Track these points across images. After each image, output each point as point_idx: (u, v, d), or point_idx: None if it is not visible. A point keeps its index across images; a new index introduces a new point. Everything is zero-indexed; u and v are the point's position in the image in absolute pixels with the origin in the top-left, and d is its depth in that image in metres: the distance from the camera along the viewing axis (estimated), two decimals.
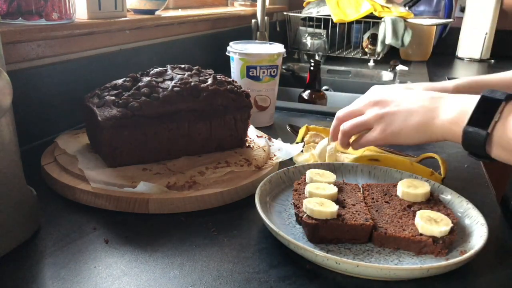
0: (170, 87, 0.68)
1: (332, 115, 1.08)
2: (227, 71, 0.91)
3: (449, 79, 1.62)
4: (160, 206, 0.58)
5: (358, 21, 1.69)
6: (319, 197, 0.54)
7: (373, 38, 1.78)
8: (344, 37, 1.83)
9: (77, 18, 0.85)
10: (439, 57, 2.01)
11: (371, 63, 1.78)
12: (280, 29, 1.98)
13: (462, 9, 2.06)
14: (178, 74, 0.72)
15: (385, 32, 1.65)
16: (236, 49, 0.92)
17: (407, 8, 1.79)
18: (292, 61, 1.79)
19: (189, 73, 0.73)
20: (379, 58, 1.76)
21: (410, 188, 0.58)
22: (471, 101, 0.53)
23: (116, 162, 0.65)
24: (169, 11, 1.31)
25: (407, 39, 1.65)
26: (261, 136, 0.83)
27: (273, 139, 0.83)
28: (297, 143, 0.83)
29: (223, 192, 0.61)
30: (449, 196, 0.61)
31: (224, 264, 0.49)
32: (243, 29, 1.67)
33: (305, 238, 0.52)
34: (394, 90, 0.64)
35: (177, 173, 0.65)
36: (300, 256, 0.49)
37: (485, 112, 0.51)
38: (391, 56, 1.84)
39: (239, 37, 1.13)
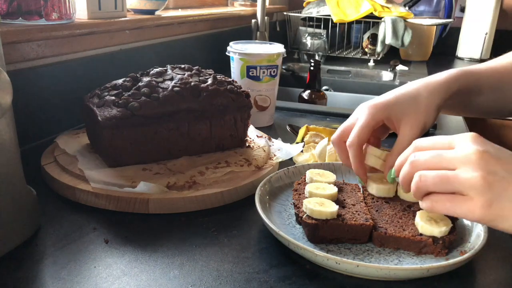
0: (170, 87, 0.68)
1: (332, 115, 1.09)
2: (227, 71, 0.91)
3: None
4: (160, 206, 0.58)
5: (358, 21, 1.69)
6: (319, 197, 0.55)
7: (373, 38, 1.78)
8: (344, 37, 1.83)
9: (77, 18, 0.85)
10: (439, 57, 2.01)
11: (371, 63, 1.78)
12: (280, 29, 1.98)
13: (462, 9, 2.06)
14: (178, 74, 0.72)
15: (385, 32, 1.65)
16: (236, 49, 0.92)
17: (407, 8, 1.79)
18: (292, 61, 1.79)
19: (189, 73, 0.73)
20: (379, 58, 1.76)
21: None
22: None
23: (116, 162, 0.65)
24: (169, 11, 1.31)
25: (407, 39, 1.65)
26: (261, 136, 0.83)
27: (273, 139, 0.83)
28: (297, 143, 0.83)
29: (223, 192, 0.61)
30: None
31: (224, 264, 0.49)
32: (243, 29, 1.67)
33: (305, 238, 0.52)
34: (504, 149, 0.45)
35: (177, 173, 0.65)
36: (300, 256, 0.49)
37: None
38: (391, 56, 1.84)
39: (239, 37, 1.13)
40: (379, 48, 1.71)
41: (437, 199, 0.45)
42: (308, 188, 0.57)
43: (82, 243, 0.51)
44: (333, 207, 0.52)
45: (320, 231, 0.51)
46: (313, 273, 0.48)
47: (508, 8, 2.10)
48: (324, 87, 1.48)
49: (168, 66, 0.75)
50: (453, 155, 0.43)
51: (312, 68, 1.22)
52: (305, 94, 1.23)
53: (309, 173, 0.61)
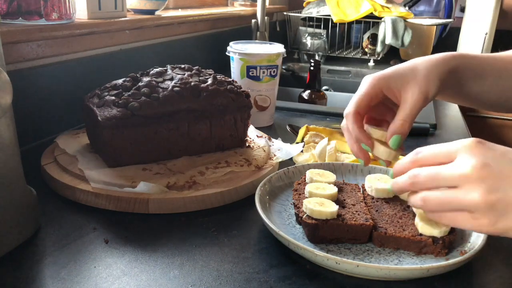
0: (170, 87, 0.68)
1: (332, 115, 1.09)
2: (227, 71, 0.91)
3: None
4: (160, 206, 0.58)
5: (358, 21, 1.69)
6: (319, 197, 0.55)
7: (373, 38, 1.78)
8: (344, 37, 1.83)
9: (77, 18, 0.85)
10: None
11: (371, 63, 1.78)
12: (280, 29, 1.98)
13: (462, 9, 2.06)
14: (178, 74, 0.72)
15: (385, 32, 1.65)
16: (236, 49, 0.92)
17: (407, 8, 1.79)
18: (292, 61, 1.79)
19: (189, 73, 0.73)
20: (379, 58, 1.76)
21: None
22: None
23: (116, 162, 0.65)
24: (169, 11, 1.31)
25: (407, 39, 1.65)
26: (261, 136, 0.83)
27: (273, 139, 0.83)
28: (297, 143, 0.83)
29: (223, 192, 0.61)
30: None
31: (224, 264, 0.49)
32: (243, 29, 1.67)
33: (305, 238, 0.52)
34: (506, 155, 0.42)
35: (177, 173, 0.65)
36: (300, 256, 0.49)
37: None
38: (391, 56, 1.84)
39: (239, 37, 1.13)
40: (379, 48, 1.71)
41: (443, 216, 0.45)
42: (308, 188, 0.57)
43: (82, 243, 0.51)
44: (333, 207, 0.52)
45: (320, 231, 0.51)
46: (313, 273, 0.48)
47: (508, 8, 2.10)
48: (324, 87, 1.48)
49: (168, 66, 0.75)
50: (452, 173, 0.42)
51: (312, 68, 1.22)
52: (305, 94, 1.23)
53: (309, 173, 0.61)
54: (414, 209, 0.54)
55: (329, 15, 1.70)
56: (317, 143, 0.80)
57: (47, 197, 0.61)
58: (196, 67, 0.76)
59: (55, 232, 0.53)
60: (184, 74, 0.72)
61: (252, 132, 0.84)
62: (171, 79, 0.70)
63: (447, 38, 2.10)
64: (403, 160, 0.48)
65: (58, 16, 0.78)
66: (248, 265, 0.49)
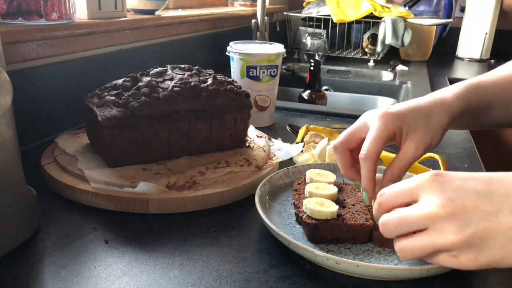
0: (170, 87, 0.68)
1: (332, 115, 1.09)
2: (227, 71, 0.91)
3: (449, 79, 1.62)
4: (160, 206, 0.58)
5: (358, 21, 1.69)
6: (319, 197, 0.54)
7: (373, 38, 1.78)
8: (344, 37, 1.83)
9: (77, 18, 0.85)
10: (439, 57, 2.01)
11: (371, 63, 1.78)
12: (280, 29, 1.98)
13: (462, 9, 2.06)
14: (178, 74, 0.72)
15: (385, 32, 1.66)
16: (236, 49, 0.92)
17: (407, 8, 1.79)
18: (292, 61, 1.79)
19: (189, 73, 0.73)
20: (379, 58, 1.76)
21: None
22: None
23: (116, 162, 0.65)
24: (169, 11, 1.31)
25: (407, 39, 1.65)
26: (261, 136, 0.83)
27: (273, 139, 0.83)
28: (297, 143, 0.83)
29: (223, 192, 0.61)
30: None
31: (224, 264, 0.49)
32: (243, 29, 1.67)
33: (305, 238, 0.52)
34: (466, 185, 0.41)
35: (177, 173, 0.65)
36: (300, 256, 0.49)
37: None
38: (391, 56, 1.84)
39: (239, 37, 1.13)
40: (379, 48, 1.71)
41: (426, 259, 0.43)
42: (308, 188, 0.57)
43: (82, 243, 0.51)
44: (333, 207, 0.52)
45: (320, 231, 0.51)
46: (313, 273, 0.48)
47: (508, 8, 2.10)
48: (324, 87, 1.48)
49: (168, 66, 0.75)
50: (419, 214, 0.41)
51: (312, 68, 1.22)
52: (305, 94, 1.23)
53: (309, 173, 0.61)
54: None
55: (329, 15, 1.70)
56: (317, 143, 0.80)
57: (47, 197, 0.61)
58: (196, 67, 0.76)
59: (55, 232, 0.53)
60: (184, 74, 0.72)
61: (252, 132, 0.84)
62: (171, 79, 0.70)
63: (447, 38, 2.10)
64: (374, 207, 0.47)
65: (58, 16, 0.78)
66: (248, 265, 0.49)
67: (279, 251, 0.51)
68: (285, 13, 1.86)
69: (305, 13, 1.80)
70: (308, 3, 1.83)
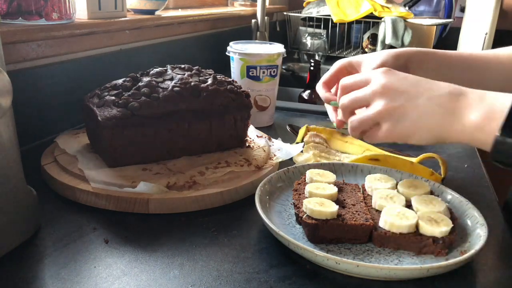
0: (170, 87, 0.68)
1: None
2: (227, 71, 0.91)
3: None
4: (160, 206, 0.58)
5: (358, 21, 1.69)
6: (319, 197, 0.54)
7: (373, 38, 1.78)
8: (344, 37, 1.83)
9: (77, 18, 0.85)
10: None
11: None
12: (280, 29, 1.98)
13: (462, 9, 2.06)
14: (178, 74, 0.72)
15: (385, 32, 1.65)
16: (236, 49, 0.92)
17: (407, 8, 1.79)
18: (292, 61, 1.79)
19: (189, 73, 0.73)
20: None
21: (410, 188, 0.58)
22: (501, 102, 0.46)
23: (116, 162, 0.65)
24: (169, 11, 1.31)
25: (407, 39, 1.65)
26: (261, 136, 0.83)
27: (273, 139, 0.83)
28: (297, 143, 0.83)
29: (223, 192, 0.61)
30: (449, 196, 0.61)
31: (224, 264, 0.49)
32: (243, 29, 1.67)
33: (305, 238, 0.52)
34: (407, 78, 0.53)
35: (177, 173, 0.65)
36: (300, 256, 0.49)
37: None
38: None
39: (239, 37, 1.13)
40: (379, 48, 1.71)
41: (365, 136, 0.56)
42: (308, 188, 0.57)
43: (82, 243, 0.51)
44: (333, 207, 0.52)
45: (320, 231, 0.51)
46: (313, 273, 0.48)
47: (508, 8, 2.10)
48: None
49: (168, 66, 0.75)
50: (366, 92, 0.54)
51: (312, 68, 1.22)
52: (305, 94, 1.23)
53: (309, 173, 0.61)
54: (415, 209, 0.54)
55: (329, 15, 1.70)
56: (317, 143, 0.80)
57: (47, 197, 0.61)
58: (196, 67, 0.76)
59: (55, 232, 0.53)
60: (184, 74, 0.72)
61: (252, 132, 0.84)
62: (171, 79, 0.70)
63: (447, 38, 2.10)
64: (338, 93, 0.59)
65: (58, 16, 0.78)
66: (248, 265, 0.49)
67: (279, 251, 0.51)
68: (285, 13, 1.86)
69: (305, 13, 1.80)
70: (308, 3, 1.83)
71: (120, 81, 0.70)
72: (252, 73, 0.91)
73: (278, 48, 0.94)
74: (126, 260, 0.49)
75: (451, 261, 0.46)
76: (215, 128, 0.72)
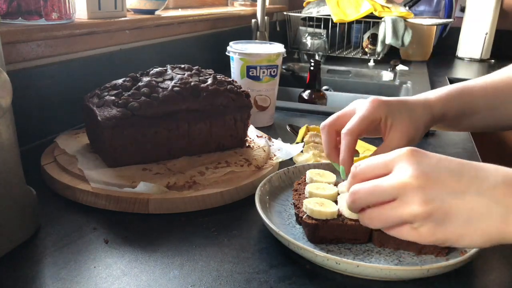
0: (170, 87, 0.68)
1: (332, 115, 1.09)
2: (227, 71, 0.91)
3: (449, 79, 1.62)
4: (160, 206, 0.58)
5: (358, 21, 1.69)
6: (319, 197, 0.54)
7: (373, 38, 1.78)
8: (344, 37, 1.83)
9: (77, 18, 0.85)
10: (439, 57, 2.01)
11: (371, 63, 1.78)
12: (280, 29, 1.98)
13: (462, 9, 2.06)
14: (178, 74, 0.72)
15: (385, 32, 1.66)
16: (236, 49, 0.92)
17: (407, 8, 1.79)
18: (292, 61, 1.79)
19: (189, 73, 0.73)
20: (379, 58, 1.76)
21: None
22: None
23: (116, 162, 0.65)
24: (169, 11, 1.31)
25: (407, 39, 1.65)
26: (261, 136, 0.83)
27: (273, 139, 0.83)
28: (297, 143, 0.83)
29: (223, 192, 0.61)
30: None
31: (224, 264, 0.49)
32: (243, 29, 1.67)
33: (305, 238, 0.52)
34: (442, 162, 0.43)
35: (177, 173, 0.65)
36: (300, 256, 0.49)
37: None
38: (391, 56, 1.84)
39: (239, 37, 1.13)
40: (379, 48, 1.71)
41: (391, 231, 0.45)
42: (308, 188, 0.57)
43: (82, 243, 0.51)
44: (333, 207, 0.52)
45: (320, 231, 0.51)
46: (313, 273, 0.48)
47: (508, 8, 2.10)
48: (324, 87, 1.48)
49: (168, 66, 0.75)
50: (391, 184, 0.42)
51: (312, 68, 1.22)
52: (305, 94, 1.23)
53: (309, 173, 0.61)
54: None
55: (329, 15, 1.70)
56: (317, 143, 0.80)
57: (47, 197, 0.61)
58: (196, 67, 0.76)
59: (55, 232, 0.53)
60: (184, 74, 0.72)
61: (252, 132, 0.84)
62: (171, 79, 0.70)
63: (447, 38, 2.10)
64: (348, 178, 0.48)
65: (58, 16, 0.78)
66: (248, 265, 0.48)
67: (279, 251, 0.51)
68: (285, 13, 1.86)
69: (305, 13, 1.80)
70: (308, 3, 1.83)
71: (120, 81, 0.70)
72: (252, 73, 0.91)
73: (278, 48, 0.94)
74: (126, 260, 0.49)
75: (451, 261, 0.46)
76: (215, 128, 0.72)
